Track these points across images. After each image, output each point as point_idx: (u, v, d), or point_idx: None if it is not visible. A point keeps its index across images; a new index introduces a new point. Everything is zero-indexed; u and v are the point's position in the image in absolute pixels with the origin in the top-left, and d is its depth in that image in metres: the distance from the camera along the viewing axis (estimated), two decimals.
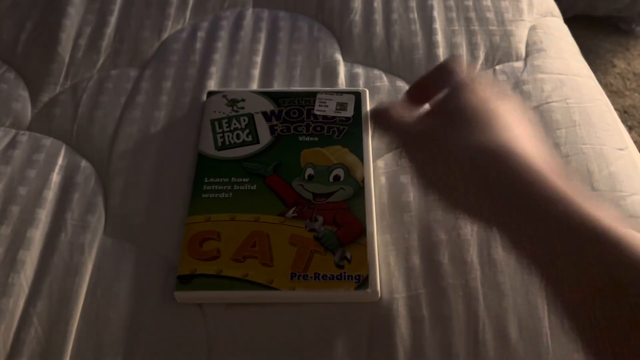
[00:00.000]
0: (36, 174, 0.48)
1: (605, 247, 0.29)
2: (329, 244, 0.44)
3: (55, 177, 0.48)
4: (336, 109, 0.52)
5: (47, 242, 0.45)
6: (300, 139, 0.50)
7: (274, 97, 0.53)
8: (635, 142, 1.46)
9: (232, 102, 0.52)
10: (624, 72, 1.66)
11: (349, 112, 0.52)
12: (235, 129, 0.50)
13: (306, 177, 0.47)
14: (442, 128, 0.37)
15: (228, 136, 0.50)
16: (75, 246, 0.45)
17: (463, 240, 0.45)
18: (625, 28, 1.74)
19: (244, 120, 0.51)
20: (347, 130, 0.51)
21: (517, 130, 0.37)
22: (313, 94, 0.53)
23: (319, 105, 0.52)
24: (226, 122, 0.51)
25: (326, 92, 0.53)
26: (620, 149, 0.53)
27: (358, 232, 0.44)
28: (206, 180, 0.47)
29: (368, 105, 0.53)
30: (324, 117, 0.51)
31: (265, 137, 0.50)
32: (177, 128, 0.53)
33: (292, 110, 0.52)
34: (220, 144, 0.49)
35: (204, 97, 0.54)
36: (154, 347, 0.41)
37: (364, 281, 0.42)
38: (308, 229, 0.44)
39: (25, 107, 0.54)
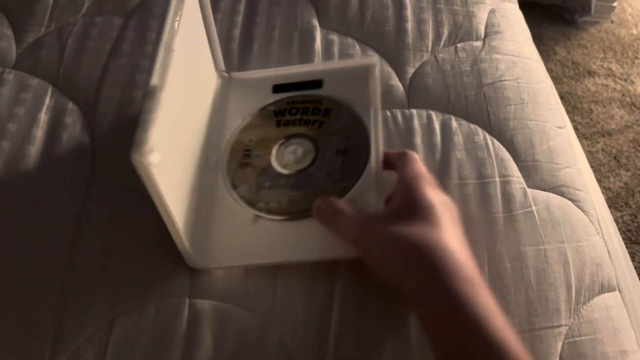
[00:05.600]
0: (25, 112, 0.50)
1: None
2: None
3: (43, 117, 0.50)
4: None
5: (37, 180, 0.47)
6: None
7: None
8: None
9: None
10: (564, 59, 1.76)
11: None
12: None
13: None
14: (391, 217, 0.41)
15: None
16: (65, 186, 0.47)
17: None
18: (568, 18, 1.84)
19: None
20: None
21: (450, 231, 0.40)
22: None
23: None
24: None
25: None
26: (560, 127, 0.60)
27: None
28: None
29: (377, 81, 0.50)
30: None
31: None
32: None
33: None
34: None
35: None
36: None
37: None
38: None
39: (10, 46, 0.55)
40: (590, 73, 1.73)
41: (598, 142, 1.56)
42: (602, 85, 1.70)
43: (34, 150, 0.48)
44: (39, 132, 0.49)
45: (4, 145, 0.48)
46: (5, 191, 0.46)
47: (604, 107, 1.64)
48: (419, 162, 0.45)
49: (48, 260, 0.43)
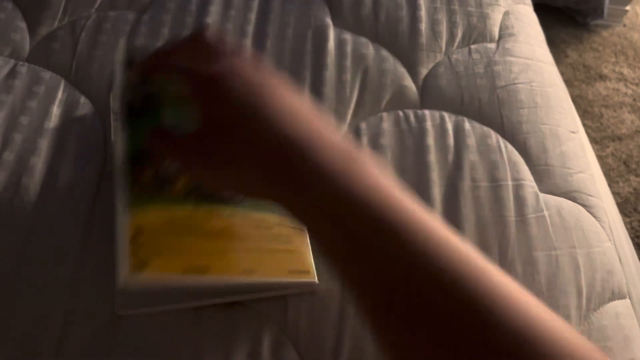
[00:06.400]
0: (37, 105, 0.50)
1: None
2: None
3: (56, 110, 0.50)
4: None
5: (50, 171, 0.47)
6: None
7: None
8: None
9: None
10: (575, 63, 1.75)
11: None
12: None
13: None
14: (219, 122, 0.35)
15: None
16: (77, 179, 0.47)
17: (432, 199, 0.51)
18: (580, 21, 1.83)
19: None
20: None
21: (295, 105, 0.35)
22: None
23: None
24: None
25: None
26: (572, 132, 0.59)
27: None
28: None
29: None
30: None
31: None
32: None
33: None
34: None
35: None
36: None
37: None
38: None
39: (23, 39, 0.55)
40: (602, 77, 1.71)
41: (608, 147, 1.55)
42: (613, 89, 1.68)
43: (46, 143, 0.48)
44: (51, 126, 0.49)
45: (16, 138, 0.48)
46: (16, 184, 0.46)
47: (615, 111, 1.63)
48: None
49: (59, 252, 0.43)
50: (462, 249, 0.31)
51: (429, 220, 0.31)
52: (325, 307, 0.44)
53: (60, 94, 0.51)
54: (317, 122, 0.34)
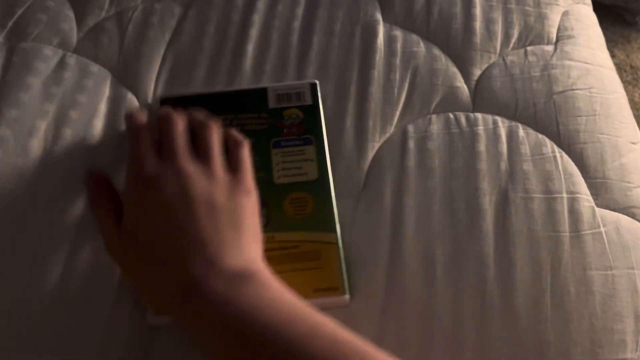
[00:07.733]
0: (86, 101, 0.49)
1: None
2: None
3: (103, 108, 0.50)
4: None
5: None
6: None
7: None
8: None
9: None
10: (622, 63, 1.68)
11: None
12: None
13: None
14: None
15: None
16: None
17: (480, 209, 0.48)
18: (629, 19, 1.76)
19: None
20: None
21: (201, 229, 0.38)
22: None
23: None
24: None
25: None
26: (633, 143, 0.56)
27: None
28: None
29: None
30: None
31: None
32: (220, 75, 0.54)
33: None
34: None
35: (249, 47, 0.55)
36: None
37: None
38: None
39: (71, 29, 0.55)
40: None
41: None
42: None
43: (94, 140, 0.48)
44: (99, 123, 0.49)
45: (66, 133, 0.47)
46: (64, 178, 0.46)
47: None
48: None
49: (104, 262, 0.43)
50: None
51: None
52: (362, 324, 0.42)
53: (107, 91, 0.51)
54: (220, 251, 0.37)
